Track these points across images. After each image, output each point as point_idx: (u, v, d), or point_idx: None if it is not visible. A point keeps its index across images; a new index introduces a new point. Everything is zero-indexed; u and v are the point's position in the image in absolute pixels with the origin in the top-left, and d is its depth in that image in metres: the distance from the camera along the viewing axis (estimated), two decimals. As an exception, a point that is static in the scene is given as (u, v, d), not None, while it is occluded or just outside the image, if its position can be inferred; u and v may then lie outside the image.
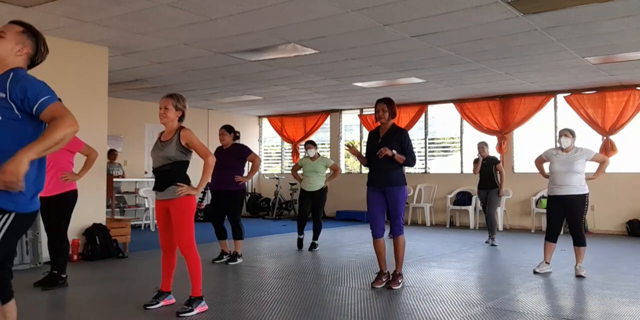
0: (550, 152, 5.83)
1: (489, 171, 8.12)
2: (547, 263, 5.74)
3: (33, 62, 2.46)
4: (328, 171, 7.67)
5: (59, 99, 2.29)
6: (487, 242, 8.19)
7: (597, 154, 5.72)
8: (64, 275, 5.02)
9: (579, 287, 5.13)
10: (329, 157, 13.27)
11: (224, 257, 6.44)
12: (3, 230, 2.23)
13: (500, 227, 10.31)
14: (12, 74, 2.30)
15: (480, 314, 4.07)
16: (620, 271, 6.01)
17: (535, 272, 5.68)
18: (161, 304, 4.22)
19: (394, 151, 4.91)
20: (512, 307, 4.30)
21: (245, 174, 6.57)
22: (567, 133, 5.66)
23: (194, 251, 4.07)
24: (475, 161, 8.37)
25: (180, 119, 4.19)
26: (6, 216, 2.23)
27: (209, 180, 6.65)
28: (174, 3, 5.20)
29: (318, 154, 7.71)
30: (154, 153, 4.20)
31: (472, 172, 8.49)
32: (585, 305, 4.59)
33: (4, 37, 2.37)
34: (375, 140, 5.14)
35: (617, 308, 4.33)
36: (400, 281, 5.03)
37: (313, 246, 7.48)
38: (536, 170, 6.12)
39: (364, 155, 5.31)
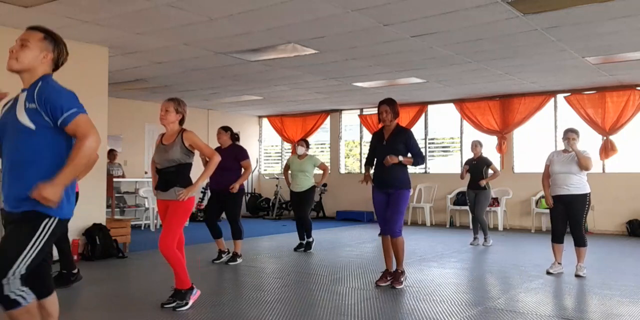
0: (551, 154, 5.84)
1: (479, 171, 7.97)
2: (559, 263, 5.73)
3: (57, 65, 2.55)
4: (317, 171, 7.62)
5: (83, 110, 2.39)
6: (472, 243, 8.07)
7: (588, 157, 5.54)
8: (74, 271, 5.07)
9: (579, 287, 5.13)
10: (329, 157, 13.32)
11: (223, 256, 6.43)
12: (47, 234, 2.37)
13: (500, 227, 10.32)
14: (40, 83, 2.42)
15: (480, 314, 4.07)
16: (620, 271, 6.01)
17: (548, 273, 5.66)
18: (177, 300, 4.21)
19: (400, 157, 4.92)
20: (512, 307, 4.30)
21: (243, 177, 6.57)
22: (575, 136, 5.57)
23: (173, 250, 4.13)
24: (466, 162, 8.32)
25: (181, 122, 4.33)
26: (51, 220, 2.38)
27: (207, 180, 6.69)
28: (174, 3, 5.20)
29: (306, 153, 7.56)
30: (158, 155, 4.31)
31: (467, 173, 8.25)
32: (585, 305, 4.59)
33: (28, 46, 2.44)
34: (379, 141, 5.14)
35: (617, 308, 4.33)
36: (402, 279, 5.03)
37: (308, 245, 7.44)
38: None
39: (367, 158, 5.36)
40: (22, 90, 2.45)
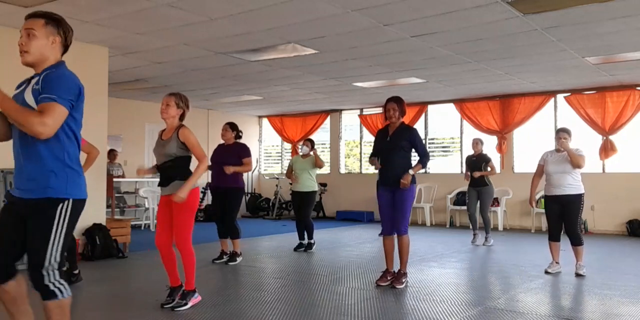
0: (545, 154, 5.86)
1: (478, 168, 8.02)
2: (557, 263, 5.75)
3: (66, 46, 2.58)
4: (320, 171, 7.60)
5: (64, 102, 2.35)
6: (473, 242, 8.09)
7: (582, 156, 5.55)
8: (75, 272, 5.08)
9: (579, 287, 5.13)
10: (329, 157, 13.31)
11: (224, 256, 6.43)
12: (67, 217, 2.44)
13: (500, 227, 10.32)
14: (53, 69, 2.46)
15: (480, 314, 4.07)
16: (620, 271, 6.01)
17: (547, 272, 5.68)
18: (177, 299, 4.22)
19: (411, 171, 4.95)
20: (512, 307, 4.30)
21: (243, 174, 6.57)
22: (566, 136, 5.62)
23: (189, 247, 4.15)
24: (466, 162, 8.35)
25: (181, 117, 4.30)
26: (66, 204, 2.43)
27: (208, 180, 6.70)
28: (174, 3, 5.20)
29: (310, 153, 7.50)
30: (156, 150, 4.30)
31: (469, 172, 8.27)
32: (585, 305, 4.60)
33: (35, 35, 2.46)
34: (384, 138, 5.15)
35: (617, 308, 4.33)
36: (404, 280, 5.04)
37: (309, 246, 7.44)
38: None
39: (372, 156, 5.34)
40: (35, 75, 2.49)
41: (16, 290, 2.53)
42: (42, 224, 2.40)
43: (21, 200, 2.43)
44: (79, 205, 2.49)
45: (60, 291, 2.41)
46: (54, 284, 2.40)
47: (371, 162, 5.26)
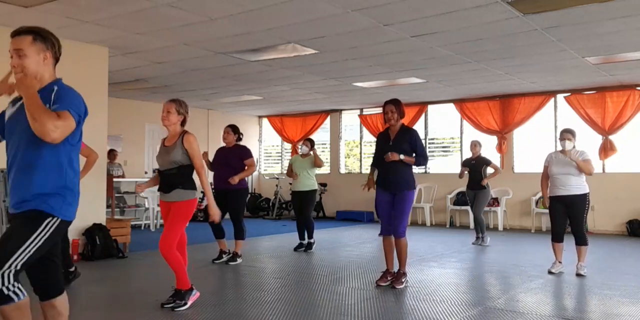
0: (549, 156, 5.87)
1: (478, 171, 7.98)
2: (560, 262, 5.75)
3: (56, 58, 2.54)
4: (319, 171, 7.60)
5: (75, 115, 2.36)
6: (474, 242, 8.10)
7: (588, 160, 5.58)
8: (71, 270, 5.08)
9: (579, 287, 5.14)
10: (329, 157, 13.31)
11: (223, 256, 6.43)
12: (48, 233, 2.39)
13: (500, 227, 10.32)
14: (55, 88, 2.44)
15: (480, 314, 4.07)
16: (620, 271, 6.01)
17: (550, 272, 5.68)
18: (176, 300, 4.21)
19: (401, 156, 4.92)
20: (512, 307, 4.30)
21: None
22: (570, 137, 5.63)
23: (174, 251, 4.13)
24: (463, 164, 8.34)
25: (182, 123, 4.34)
26: (53, 220, 2.40)
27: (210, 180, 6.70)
28: (174, 3, 5.20)
29: (310, 153, 7.52)
30: (161, 157, 4.32)
31: (467, 172, 8.18)
32: (585, 305, 4.60)
33: (25, 55, 2.42)
34: (386, 142, 5.15)
35: (617, 308, 4.33)
36: (403, 280, 5.04)
37: (309, 246, 7.44)
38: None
39: (374, 159, 5.37)
40: None
41: (62, 306, 2.58)
42: (24, 228, 2.34)
43: (15, 215, 2.42)
44: (63, 225, 2.46)
45: (16, 294, 2.29)
46: (8, 288, 2.27)
47: (368, 183, 5.38)
